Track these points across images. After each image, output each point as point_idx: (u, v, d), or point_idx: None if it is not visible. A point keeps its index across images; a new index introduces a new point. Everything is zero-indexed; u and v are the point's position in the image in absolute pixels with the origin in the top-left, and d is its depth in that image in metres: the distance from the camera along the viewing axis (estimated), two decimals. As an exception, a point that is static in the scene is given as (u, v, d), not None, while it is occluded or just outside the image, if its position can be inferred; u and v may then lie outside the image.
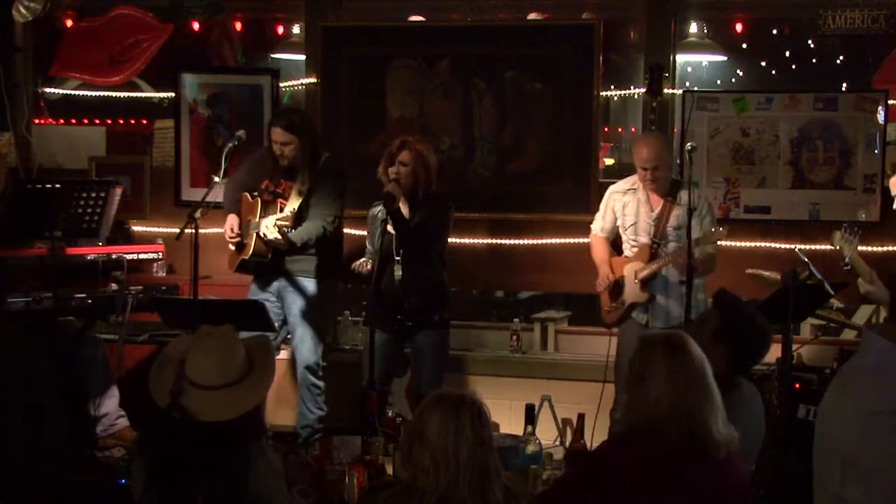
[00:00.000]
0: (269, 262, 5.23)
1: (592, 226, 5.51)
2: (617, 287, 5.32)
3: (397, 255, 4.99)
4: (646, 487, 2.86)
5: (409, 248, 5.00)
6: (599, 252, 5.44)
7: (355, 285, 5.77)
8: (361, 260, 5.26)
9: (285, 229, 4.97)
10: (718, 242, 5.14)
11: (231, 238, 5.27)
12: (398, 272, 4.99)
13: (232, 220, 5.27)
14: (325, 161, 5.30)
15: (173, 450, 2.71)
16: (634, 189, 5.31)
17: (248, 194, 5.29)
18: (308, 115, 5.72)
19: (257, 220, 5.16)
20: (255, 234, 5.14)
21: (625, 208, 5.33)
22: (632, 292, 5.25)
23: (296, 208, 5.04)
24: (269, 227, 4.97)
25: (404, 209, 5.07)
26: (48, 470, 2.28)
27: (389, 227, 4.91)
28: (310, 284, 5.27)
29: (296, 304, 5.25)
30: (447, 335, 5.26)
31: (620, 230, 5.39)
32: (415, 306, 5.08)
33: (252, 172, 5.38)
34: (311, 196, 5.17)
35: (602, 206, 5.45)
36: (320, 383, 5.39)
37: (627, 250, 5.36)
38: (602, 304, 5.42)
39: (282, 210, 5.11)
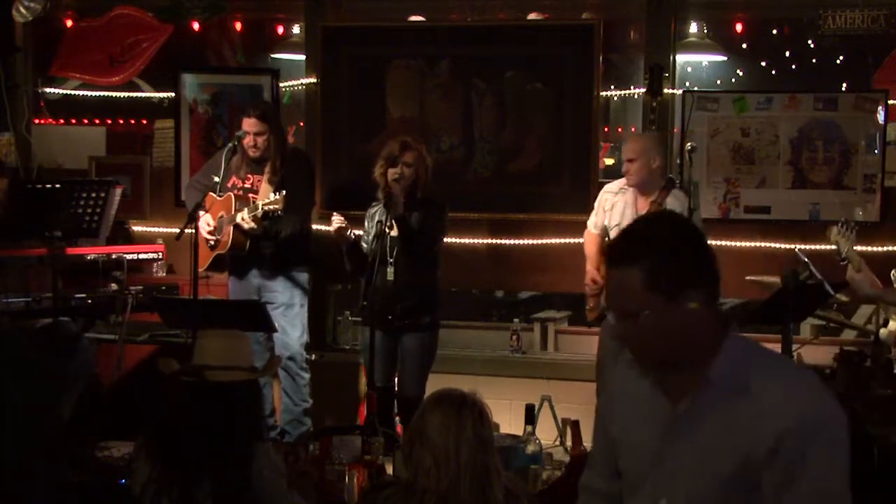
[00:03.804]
0: (246, 255, 5.27)
1: (588, 222, 5.46)
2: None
3: (390, 257, 4.95)
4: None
5: (406, 248, 4.97)
6: (589, 249, 5.39)
7: (354, 285, 5.76)
8: (338, 219, 5.01)
9: (277, 212, 5.01)
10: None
11: (209, 233, 5.28)
12: (390, 274, 4.94)
13: (206, 217, 5.29)
14: (291, 151, 5.45)
15: (175, 449, 2.72)
16: (625, 190, 5.25)
17: (212, 194, 5.31)
18: (275, 107, 5.92)
19: (233, 213, 5.18)
20: (231, 228, 5.16)
21: (613, 208, 5.26)
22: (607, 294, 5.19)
23: (283, 193, 5.02)
24: (245, 218, 5.05)
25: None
26: (47, 469, 2.28)
27: (386, 228, 4.87)
28: (285, 276, 5.35)
29: (275, 296, 5.28)
30: (436, 338, 5.17)
31: (608, 229, 5.30)
32: (406, 308, 5.02)
33: (213, 171, 5.38)
34: (283, 187, 5.19)
35: (596, 203, 5.41)
36: (306, 375, 5.44)
37: None
38: (588, 301, 5.37)
39: (254, 203, 5.16)
